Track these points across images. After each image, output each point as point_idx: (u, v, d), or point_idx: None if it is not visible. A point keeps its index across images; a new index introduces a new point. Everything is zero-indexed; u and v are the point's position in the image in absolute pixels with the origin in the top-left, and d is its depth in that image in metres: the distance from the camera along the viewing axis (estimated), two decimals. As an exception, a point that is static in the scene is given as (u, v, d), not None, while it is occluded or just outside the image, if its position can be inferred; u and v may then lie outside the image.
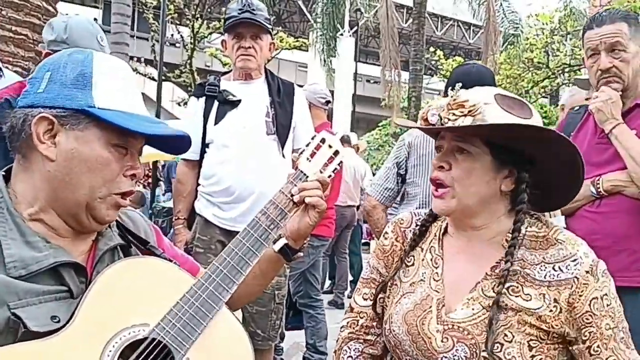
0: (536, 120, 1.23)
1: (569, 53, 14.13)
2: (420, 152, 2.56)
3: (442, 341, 1.22)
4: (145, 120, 1.12)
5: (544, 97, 17.42)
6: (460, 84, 1.26)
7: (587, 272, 1.19)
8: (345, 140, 5.92)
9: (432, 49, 17.21)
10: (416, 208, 2.52)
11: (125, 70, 1.16)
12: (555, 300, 1.19)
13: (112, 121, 1.06)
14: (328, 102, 3.90)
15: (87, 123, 1.06)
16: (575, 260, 1.21)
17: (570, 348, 1.22)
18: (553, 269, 1.21)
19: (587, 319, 1.19)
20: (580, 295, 1.19)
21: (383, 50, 15.08)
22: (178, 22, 18.15)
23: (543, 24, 14.86)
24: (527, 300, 1.20)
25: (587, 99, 2.82)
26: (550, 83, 15.13)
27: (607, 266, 1.95)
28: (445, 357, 1.21)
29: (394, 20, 15.16)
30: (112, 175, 1.10)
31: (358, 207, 6.00)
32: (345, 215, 5.77)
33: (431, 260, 1.33)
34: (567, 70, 14.10)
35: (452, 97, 1.22)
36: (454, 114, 1.19)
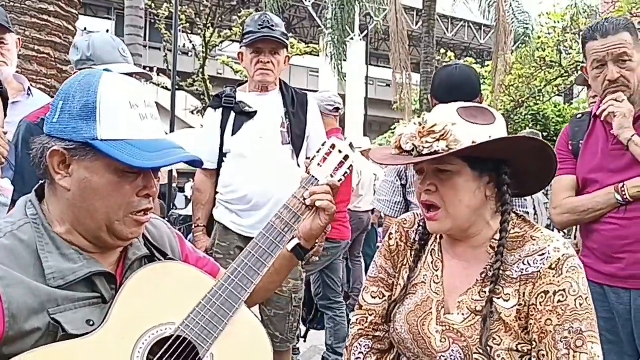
0: (499, 123, 1.29)
1: (582, 51, 14.01)
2: None
3: (440, 341, 1.29)
4: (151, 149, 1.11)
5: (557, 95, 17.29)
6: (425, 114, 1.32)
7: (549, 266, 1.23)
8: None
9: (443, 51, 17.21)
10: None
11: (134, 92, 1.14)
12: (523, 295, 1.24)
13: (112, 156, 1.07)
14: (337, 109, 3.92)
15: (93, 155, 1.09)
16: (542, 254, 1.25)
17: None
18: (523, 263, 1.26)
19: (531, 312, 1.23)
20: (536, 289, 1.23)
21: (393, 53, 15.06)
22: (190, 32, 18.37)
23: (554, 22, 14.78)
24: (506, 301, 1.25)
25: (592, 102, 2.81)
26: (564, 81, 15.03)
27: (638, 270, 1.91)
28: (443, 357, 1.28)
29: (403, 23, 15.15)
30: (125, 198, 1.13)
31: (373, 211, 6.04)
32: (363, 220, 5.81)
33: (432, 263, 1.40)
34: (580, 68, 13.98)
35: (420, 124, 1.28)
36: (427, 141, 1.24)
